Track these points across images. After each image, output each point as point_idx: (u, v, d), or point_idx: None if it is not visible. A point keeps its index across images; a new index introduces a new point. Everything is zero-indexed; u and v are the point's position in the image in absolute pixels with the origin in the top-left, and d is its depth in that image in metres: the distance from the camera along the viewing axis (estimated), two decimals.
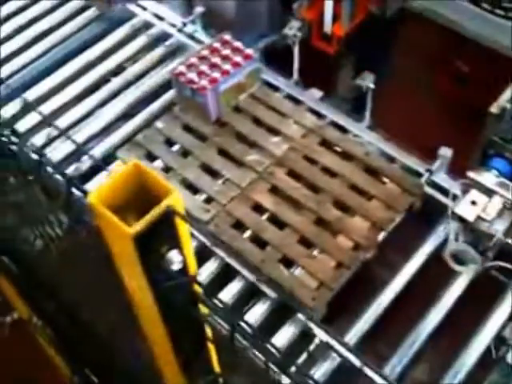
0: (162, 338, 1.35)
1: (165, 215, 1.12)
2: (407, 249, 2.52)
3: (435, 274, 2.39)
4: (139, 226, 1.08)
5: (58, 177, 1.56)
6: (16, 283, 2.58)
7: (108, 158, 2.76)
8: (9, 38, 3.31)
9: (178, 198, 1.14)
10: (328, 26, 3.26)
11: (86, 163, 2.73)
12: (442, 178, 2.61)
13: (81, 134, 2.90)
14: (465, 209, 2.06)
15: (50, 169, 1.63)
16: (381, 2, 3.34)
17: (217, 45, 2.84)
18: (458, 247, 2.07)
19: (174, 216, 1.13)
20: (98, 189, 1.13)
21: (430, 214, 2.57)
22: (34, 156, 1.62)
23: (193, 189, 2.59)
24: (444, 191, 2.56)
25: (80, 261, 1.83)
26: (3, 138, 1.80)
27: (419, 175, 2.63)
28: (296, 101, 2.93)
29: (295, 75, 3.03)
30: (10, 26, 3.36)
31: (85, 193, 1.26)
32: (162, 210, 1.11)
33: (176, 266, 1.18)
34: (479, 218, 2.03)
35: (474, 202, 2.07)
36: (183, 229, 1.18)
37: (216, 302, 1.23)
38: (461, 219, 2.04)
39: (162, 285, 1.19)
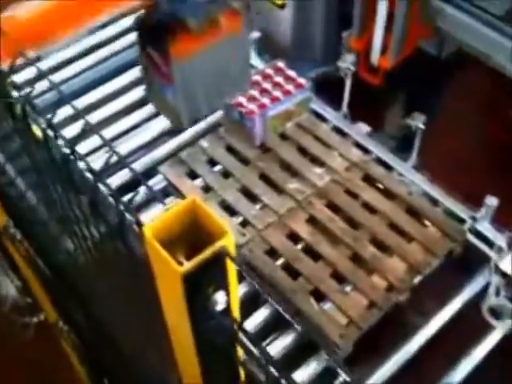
0: (194, 374, 1.33)
1: (217, 256, 1.10)
2: (443, 295, 2.45)
3: (469, 324, 2.31)
4: (190, 265, 1.08)
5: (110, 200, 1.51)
6: (48, 287, 2.61)
7: (149, 172, 2.78)
8: (66, 45, 3.39)
9: (231, 240, 1.13)
10: (375, 58, 3.22)
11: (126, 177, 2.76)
12: (485, 227, 2.54)
13: (124, 147, 2.93)
14: (509, 264, 1.99)
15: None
16: (432, 38, 3.31)
17: (269, 71, 2.85)
18: (498, 302, 2.00)
19: (225, 258, 1.11)
20: (153, 222, 1.13)
21: (470, 263, 2.50)
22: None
23: (230, 211, 2.57)
24: (486, 240, 2.50)
25: (118, 277, 1.81)
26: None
27: (462, 221, 2.57)
28: (343, 133, 2.90)
29: (344, 108, 3.01)
30: None
31: (139, 224, 1.25)
32: (215, 251, 1.10)
33: (220, 307, 1.16)
34: None
35: None
36: (231, 270, 1.16)
37: (261, 351, 1.18)
38: (503, 274, 1.97)
39: (203, 324, 1.17)
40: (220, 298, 1.15)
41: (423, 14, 3.14)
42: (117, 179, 2.79)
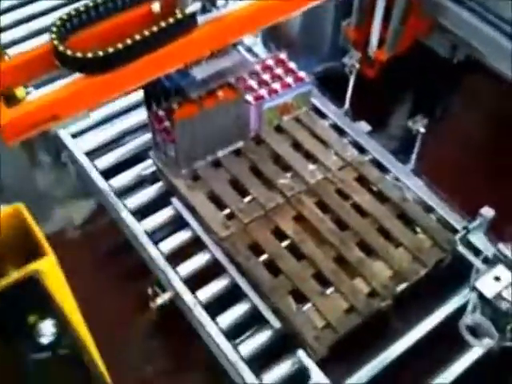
0: None
1: (29, 281, 1.00)
2: (427, 305, 2.39)
3: (451, 337, 2.24)
4: None
5: None
6: None
7: (139, 155, 2.75)
8: None
9: (51, 263, 1.04)
10: (372, 50, 3.17)
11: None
12: (478, 239, 2.46)
13: (116, 128, 2.89)
14: (486, 284, 1.92)
15: None
16: (430, 33, 3.25)
17: (270, 62, 2.78)
18: (475, 320, 1.93)
19: (42, 283, 1.01)
20: None
21: (459, 273, 2.43)
22: None
23: (217, 202, 2.52)
24: (478, 252, 2.42)
25: None
26: None
27: (455, 231, 2.50)
28: (341, 131, 2.84)
29: (346, 105, 2.94)
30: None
31: None
32: (24, 276, 1.01)
33: (46, 340, 1.07)
34: (500, 296, 1.89)
35: (497, 278, 1.93)
36: (66, 296, 1.08)
37: None
38: (480, 293, 1.90)
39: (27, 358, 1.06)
40: (45, 329, 1.05)
41: (423, 8, 3.08)
42: (106, 160, 2.77)
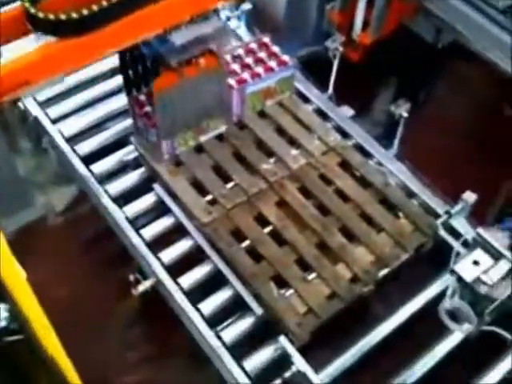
0: None
1: None
2: (408, 290, 2.40)
3: (432, 321, 2.25)
4: None
5: None
6: None
7: (121, 141, 2.72)
8: None
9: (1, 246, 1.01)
10: (356, 33, 3.17)
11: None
12: (459, 223, 2.47)
13: (98, 113, 2.86)
14: (465, 268, 1.92)
15: None
16: (414, 16, 3.25)
17: (253, 46, 2.75)
18: (454, 304, 1.94)
19: None
20: None
21: (441, 257, 2.44)
22: None
23: (200, 188, 2.50)
24: (459, 237, 2.43)
25: None
26: None
27: (437, 216, 2.51)
28: (325, 116, 2.82)
29: (330, 90, 2.92)
30: None
31: None
32: None
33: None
34: (479, 280, 1.89)
35: (476, 262, 1.94)
36: (18, 280, 1.06)
37: None
38: (459, 277, 1.91)
39: None
40: None
41: None
42: (87, 146, 2.74)
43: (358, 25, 3.13)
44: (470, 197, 2.48)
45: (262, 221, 2.43)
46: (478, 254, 2.00)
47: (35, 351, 1.26)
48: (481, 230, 2.04)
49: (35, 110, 2.82)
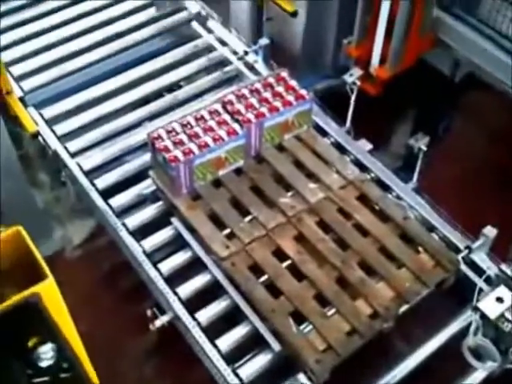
0: None
1: (29, 305, 0.99)
2: (430, 326, 2.35)
3: (456, 359, 2.20)
4: None
5: None
6: None
7: (140, 175, 2.73)
8: (79, 35, 3.36)
9: (51, 286, 1.04)
10: (374, 67, 3.16)
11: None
12: (480, 258, 2.43)
13: (117, 147, 2.88)
14: (488, 305, 1.89)
15: None
16: (432, 49, 3.24)
17: (271, 80, 2.77)
18: (477, 342, 1.90)
19: (41, 306, 1.00)
20: None
21: (463, 293, 2.40)
22: None
23: (217, 221, 2.50)
24: (481, 273, 2.39)
25: None
26: None
27: (458, 250, 2.47)
28: (343, 149, 2.82)
29: (348, 123, 2.92)
30: (85, 23, 3.41)
31: None
32: (25, 299, 1.00)
33: (45, 363, 1.06)
34: (503, 317, 1.85)
35: (499, 299, 1.90)
36: (64, 318, 1.07)
37: None
38: (483, 314, 1.87)
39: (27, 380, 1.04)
40: (45, 353, 1.03)
41: (424, 25, 3.07)
42: (106, 180, 2.75)
43: (376, 59, 3.13)
44: (490, 232, 2.44)
45: (281, 255, 2.41)
46: (502, 290, 1.96)
47: None
48: (504, 266, 2.01)
49: (54, 144, 2.85)
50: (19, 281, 1.26)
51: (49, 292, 1.22)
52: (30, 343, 1.17)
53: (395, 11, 3.01)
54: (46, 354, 1.19)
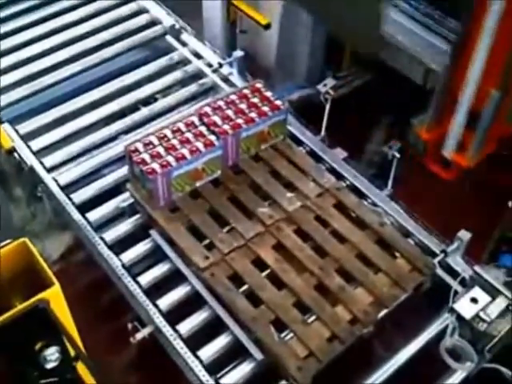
0: None
1: (36, 311, 1.05)
2: (409, 330, 2.38)
3: (434, 360, 2.24)
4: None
5: None
6: None
7: (117, 188, 2.73)
8: (51, 51, 3.36)
9: (57, 293, 1.10)
10: (449, 152, 2.87)
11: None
12: (456, 261, 2.48)
13: (98, 158, 2.88)
14: (464, 306, 1.93)
15: None
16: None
17: (247, 91, 2.80)
18: (455, 343, 1.93)
19: (49, 311, 1.06)
20: None
21: (440, 296, 2.44)
22: None
23: (196, 232, 2.51)
24: (456, 275, 2.43)
25: None
26: None
27: (434, 255, 2.51)
28: (319, 158, 2.85)
29: (323, 132, 2.96)
30: (55, 40, 3.41)
31: None
32: (33, 305, 1.06)
33: (50, 365, 1.12)
34: (478, 317, 1.89)
35: (474, 300, 1.94)
36: (68, 322, 1.12)
37: None
38: (458, 315, 1.91)
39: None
40: (50, 355, 1.08)
41: (509, 114, 2.85)
42: (83, 194, 2.74)
43: (452, 144, 2.90)
44: (464, 235, 2.49)
45: (260, 264, 2.42)
46: (476, 291, 2.01)
47: None
48: (478, 268, 2.05)
49: (30, 160, 2.83)
50: (22, 289, 1.32)
51: (55, 298, 1.30)
52: (37, 346, 1.24)
53: (480, 100, 2.79)
54: (52, 355, 1.27)
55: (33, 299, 1.13)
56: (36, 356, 1.16)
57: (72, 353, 1.31)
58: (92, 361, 1.38)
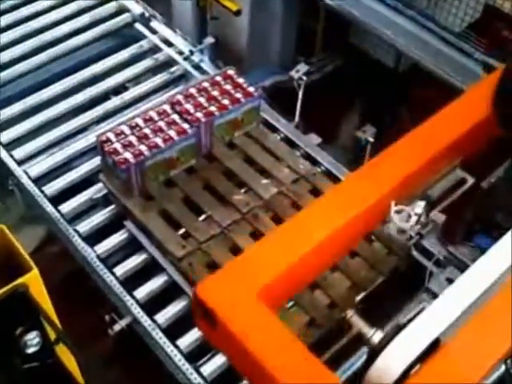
0: None
1: (15, 296, 1.06)
2: (387, 312, 2.40)
3: None
4: None
5: None
6: None
7: (91, 179, 2.69)
8: (17, 42, 3.28)
9: (36, 278, 1.10)
10: None
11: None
12: (431, 243, 2.50)
13: (69, 149, 2.83)
14: (440, 286, 1.94)
15: None
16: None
17: (219, 78, 2.77)
18: None
19: (29, 297, 1.07)
20: None
21: (416, 278, 2.46)
22: None
23: (172, 222, 2.48)
24: (431, 257, 2.46)
25: None
26: None
27: (411, 237, 2.53)
28: (293, 144, 2.85)
29: (296, 118, 2.96)
30: (22, 29, 3.34)
31: None
32: (13, 290, 1.07)
33: (31, 350, 1.13)
34: None
35: (449, 280, 1.96)
36: (48, 307, 1.13)
37: None
38: (434, 295, 1.93)
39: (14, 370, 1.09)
40: (31, 340, 1.09)
41: None
42: (55, 186, 2.70)
43: None
44: (438, 217, 2.51)
45: (237, 252, 2.41)
46: (451, 271, 2.02)
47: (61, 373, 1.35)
48: (451, 249, 2.07)
49: (0, 152, 2.78)
50: (0, 276, 1.31)
51: (34, 283, 1.30)
52: (18, 331, 1.25)
53: None
54: (33, 340, 1.27)
55: (12, 284, 1.12)
56: (17, 341, 1.15)
57: (52, 336, 1.30)
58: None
